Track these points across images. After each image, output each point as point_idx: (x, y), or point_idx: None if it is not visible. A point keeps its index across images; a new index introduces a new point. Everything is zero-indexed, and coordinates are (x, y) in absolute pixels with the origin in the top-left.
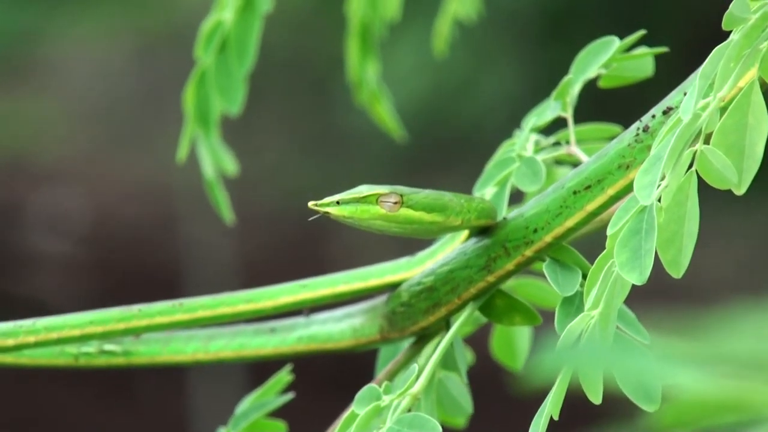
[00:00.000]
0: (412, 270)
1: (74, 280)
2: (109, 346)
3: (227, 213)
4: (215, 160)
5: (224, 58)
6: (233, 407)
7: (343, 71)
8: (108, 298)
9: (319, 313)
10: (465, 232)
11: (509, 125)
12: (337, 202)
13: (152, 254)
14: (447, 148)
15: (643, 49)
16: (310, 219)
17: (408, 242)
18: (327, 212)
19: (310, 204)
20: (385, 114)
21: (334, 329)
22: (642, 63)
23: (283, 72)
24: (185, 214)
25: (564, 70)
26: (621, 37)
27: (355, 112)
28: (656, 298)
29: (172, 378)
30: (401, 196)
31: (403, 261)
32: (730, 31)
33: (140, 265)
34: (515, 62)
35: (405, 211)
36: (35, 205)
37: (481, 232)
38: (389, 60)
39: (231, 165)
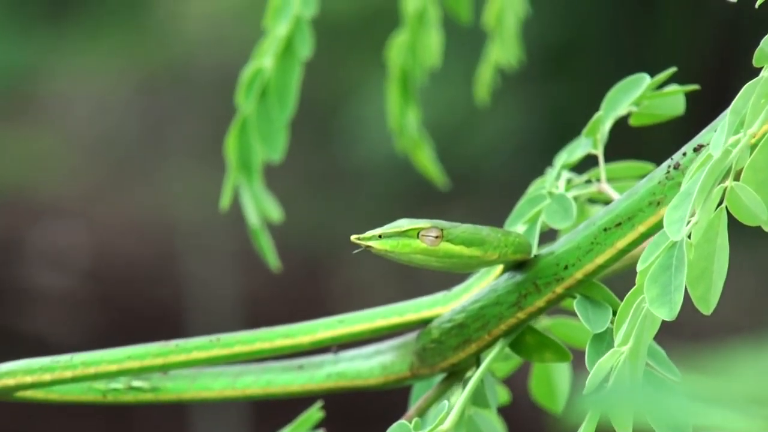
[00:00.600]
0: (448, 305)
1: (74, 315)
2: (137, 383)
3: (273, 261)
4: (259, 208)
5: (265, 105)
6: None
7: (347, 106)
8: (107, 333)
9: (348, 350)
10: (500, 267)
11: (512, 161)
12: (379, 236)
13: (152, 290)
14: (451, 183)
15: (674, 87)
16: (354, 252)
17: (411, 279)
18: (369, 246)
19: (353, 238)
20: (426, 161)
21: (363, 366)
22: (673, 101)
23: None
24: (185, 250)
25: (564, 107)
26: (624, 72)
27: (358, 148)
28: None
29: (173, 413)
30: (441, 230)
31: (439, 296)
32: (732, 65)
33: (140, 301)
34: (518, 98)
35: (445, 246)
36: (35, 240)
37: (514, 267)
38: (376, 101)
39: (275, 212)
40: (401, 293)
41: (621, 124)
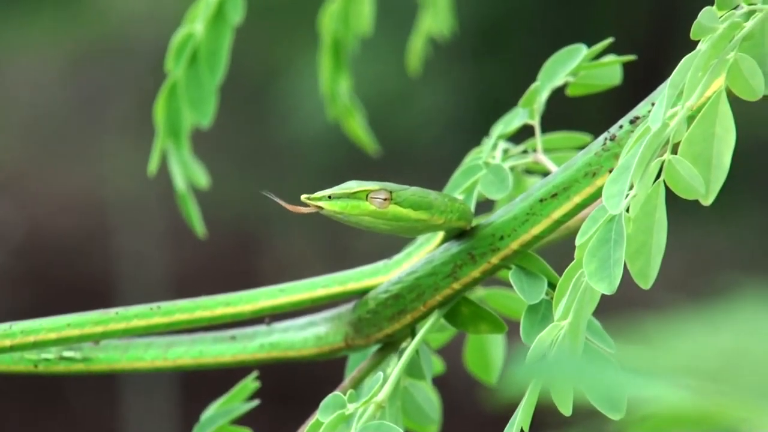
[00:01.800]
0: (389, 273)
1: (5, 291)
2: (68, 353)
3: (199, 227)
4: (186, 173)
5: (195, 71)
6: (165, 418)
7: (279, 80)
8: (39, 310)
9: (281, 321)
10: (440, 235)
11: (443, 137)
12: (329, 197)
13: (84, 266)
14: (382, 159)
15: (611, 57)
16: (303, 212)
17: (343, 254)
18: (319, 206)
19: (303, 197)
20: (357, 128)
21: (296, 337)
22: (610, 71)
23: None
24: (117, 225)
25: (497, 83)
26: (558, 48)
27: (291, 121)
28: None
29: (104, 388)
30: (390, 192)
31: (380, 264)
32: (667, 39)
33: (72, 276)
34: (451, 73)
35: (393, 208)
36: None
37: (452, 238)
38: (308, 79)
39: (202, 178)
40: (333, 268)
41: (558, 95)
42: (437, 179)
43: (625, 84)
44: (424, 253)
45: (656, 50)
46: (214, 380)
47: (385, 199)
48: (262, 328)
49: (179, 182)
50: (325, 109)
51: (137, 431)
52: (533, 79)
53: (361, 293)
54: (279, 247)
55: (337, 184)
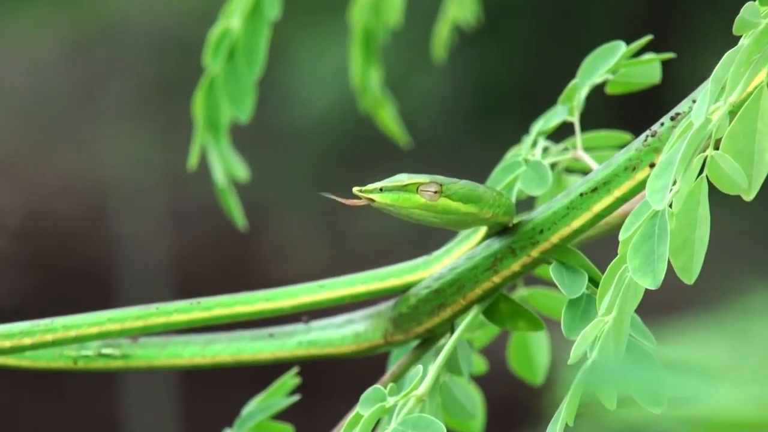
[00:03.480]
0: (429, 268)
1: (4, 276)
2: (107, 350)
3: (240, 219)
4: (226, 167)
5: (233, 65)
6: (166, 406)
7: (278, 64)
8: (39, 294)
9: (319, 320)
10: (482, 231)
11: (441, 122)
12: (380, 190)
13: (84, 250)
14: (380, 143)
15: (650, 55)
16: (349, 203)
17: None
18: (371, 199)
19: (355, 190)
20: (388, 120)
21: (335, 334)
22: (649, 69)
23: None
24: (117, 209)
25: (495, 67)
26: (551, 37)
27: (288, 107)
28: None
29: (103, 375)
30: (440, 185)
31: (420, 260)
32: (665, 27)
33: (72, 260)
34: (447, 59)
35: (443, 201)
36: None
37: (494, 234)
38: (325, 55)
39: (242, 171)
40: (332, 254)
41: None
42: (436, 163)
43: None
44: (465, 249)
45: (654, 40)
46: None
47: (435, 192)
48: (300, 326)
49: (219, 176)
50: (356, 100)
51: (137, 417)
52: (531, 62)
53: (401, 290)
54: (278, 231)
55: (336, 170)
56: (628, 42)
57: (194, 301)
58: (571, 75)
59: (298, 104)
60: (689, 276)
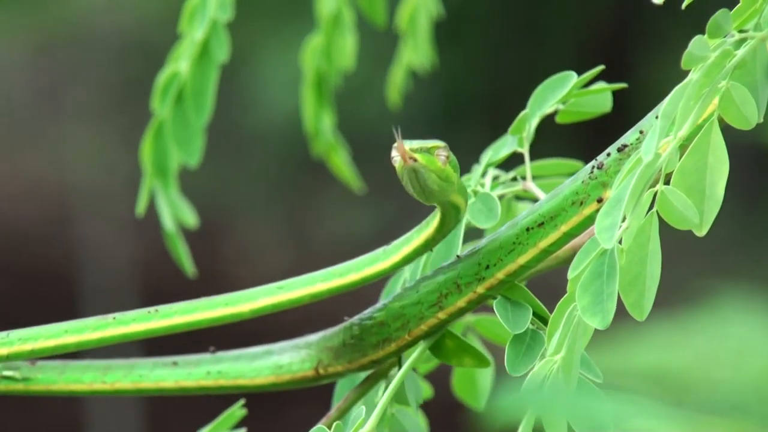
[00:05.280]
0: (389, 259)
1: None
2: (8, 372)
3: (189, 267)
4: (174, 213)
5: (181, 110)
6: (130, 414)
7: (241, 68)
8: (3, 297)
9: (233, 350)
10: (437, 219)
11: (403, 128)
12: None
13: (46, 253)
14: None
15: (601, 85)
16: (403, 152)
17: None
18: (414, 158)
19: (407, 147)
20: (341, 165)
21: (248, 366)
22: (600, 98)
23: None
24: (79, 212)
25: (458, 73)
26: (514, 43)
27: (253, 111)
28: None
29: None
30: (449, 151)
31: (380, 251)
32: (628, 35)
33: (33, 264)
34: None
35: (448, 168)
36: None
37: (439, 264)
38: (288, 58)
39: (191, 218)
40: (294, 256)
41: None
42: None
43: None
44: (423, 237)
45: (617, 46)
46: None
47: (446, 157)
48: (206, 355)
49: (167, 222)
50: (309, 145)
51: (100, 424)
52: (494, 69)
53: (363, 283)
54: (241, 234)
55: (299, 175)
56: (587, 58)
57: (152, 309)
58: (535, 82)
59: (261, 107)
60: (640, 313)
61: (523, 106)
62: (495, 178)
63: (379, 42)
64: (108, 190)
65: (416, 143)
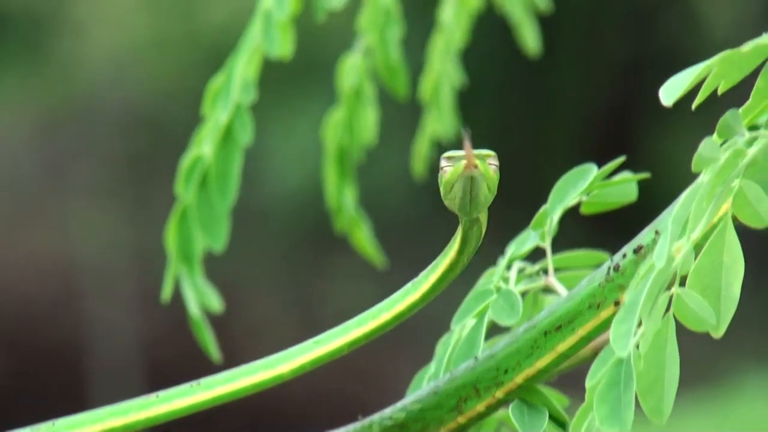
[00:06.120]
0: (418, 290)
1: None
2: None
3: (215, 353)
4: (200, 298)
5: (205, 194)
6: None
7: (252, 143)
8: (7, 376)
9: None
10: (458, 242)
11: (410, 197)
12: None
13: (52, 331)
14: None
15: (625, 175)
16: (469, 157)
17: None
18: (475, 165)
19: (475, 153)
20: (364, 240)
21: None
22: (625, 188)
23: (183, 146)
24: (86, 289)
25: (475, 143)
26: (522, 115)
27: (259, 185)
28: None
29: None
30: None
31: (408, 286)
32: (630, 107)
33: (40, 341)
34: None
35: (497, 179)
36: None
37: (457, 365)
38: (296, 133)
39: (216, 302)
40: (301, 332)
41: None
42: (406, 243)
43: (588, 154)
44: (447, 262)
45: (620, 120)
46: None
47: (497, 167)
48: None
49: (193, 308)
50: (332, 218)
51: None
52: (498, 145)
53: (397, 320)
54: (245, 312)
55: (308, 247)
56: (597, 123)
57: (193, 383)
58: (537, 159)
59: (269, 182)
60: (660, 417)
61: (533, 176)
62: (521, 271)
63: (398, 112)
64: (114, 266)
65: (477, 151)
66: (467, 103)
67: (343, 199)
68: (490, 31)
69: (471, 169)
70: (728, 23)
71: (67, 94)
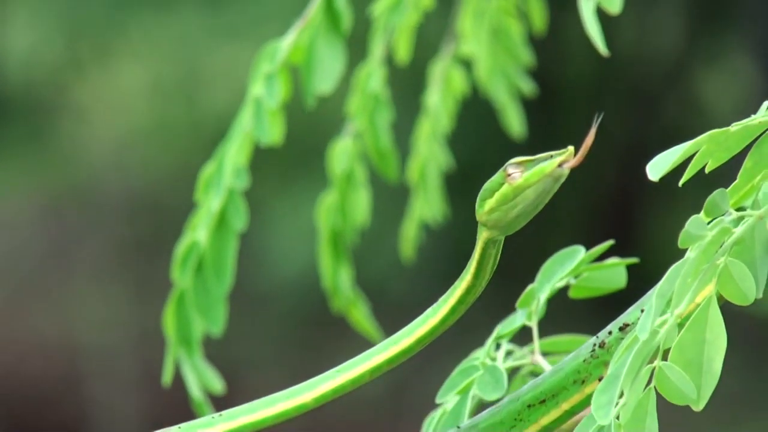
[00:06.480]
0: (437, 315)
1: None
2: None
3: None
4: (201, 380)
5: (201, 279)
6: None
7: (252, 226)
8: None
9: None
10: (473, 269)
11: (414, 281)
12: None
13: (56, 413)
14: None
15: (614, 260)
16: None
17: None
18: (566, 164)
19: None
20: (361, 319)
21: None
22: (614, 273)
23: (181, 227)
24: (89, 372)
25: (469, 227)
26: (526, 230)
27: (261, 268)
28: None
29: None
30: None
31: (429, 311)
32: (633, 194)
33: (43, 424)
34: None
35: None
36: None
37: None
38: (298, 215)
39: (217, 384)
40: (304, 416)
41: None
42: (405, 322)
43: (593, 230)
44: (464, 285)
45: (622, 210)
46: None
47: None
48: None
49: (195, 390)
50: (329, 298)
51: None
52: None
53: (419, 346)
54: (250, 392)
55: (310, 330)
56: (599, 212)
57: (215, 414)
58: (537, 242)
59: (271, 264)
60: None
61: (535, 257)
62: (509, 353)
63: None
64: (117, 348)
65: (556, 153)
66: (475, 175)
67: (339, 280)
68: (486, 115)
69: (565, 168)
70: (730, 106)
71: (71, 179)
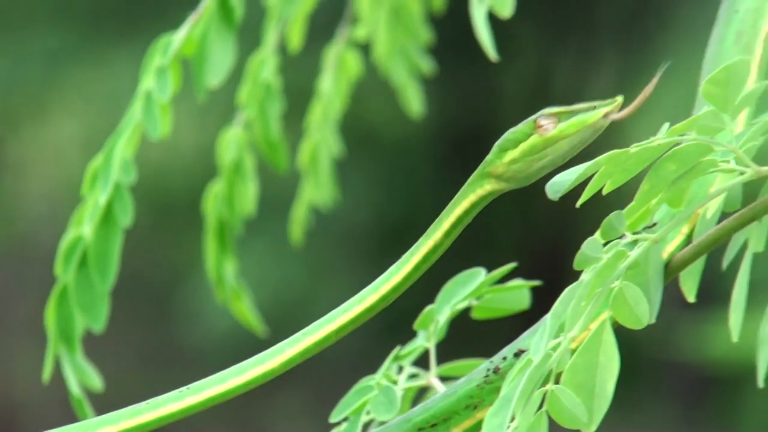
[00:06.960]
0: (400, 272)
1: None
2: None
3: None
4: (80, 378)
5: (85, 274)
6: None
7: (185, 284)
8: None
9: None
10: (443, 231)
11: (349, 336)
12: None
13: None
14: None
15: (517, 282)
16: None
17: None
18: (609, 114)
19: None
20: (246, 311)
21: None
22: (517, 295)
23: (123, 283)
24: (26, 425)
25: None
26: (456, 250)
27: (196, 325)
28: None
29: None
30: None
31: (392, 268)
32: (565, 253)
33: None
34: (352, 272)
35: None
36: None
37: None
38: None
39: (96, 382)
40: None
41: None
42: (343, 380)
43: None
44: (431, 242)
45: (555, 263)
46: None
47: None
48: None
49: (74, 386)
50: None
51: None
52: (435, 277)
53: (383, 303)
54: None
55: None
56: (532, 262)
57: (183, 388)
58: (478, 260)
59: (205, 322)
60: None
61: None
62: (413, 376)
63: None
64: (54, 405)
65: (598, 102)
66: (407, 229)
67: (224, 271)
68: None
69: (609, 118)
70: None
71: (6, 234)
